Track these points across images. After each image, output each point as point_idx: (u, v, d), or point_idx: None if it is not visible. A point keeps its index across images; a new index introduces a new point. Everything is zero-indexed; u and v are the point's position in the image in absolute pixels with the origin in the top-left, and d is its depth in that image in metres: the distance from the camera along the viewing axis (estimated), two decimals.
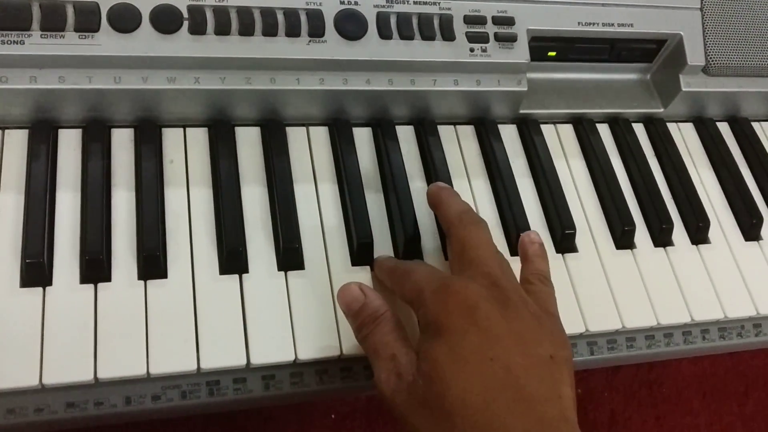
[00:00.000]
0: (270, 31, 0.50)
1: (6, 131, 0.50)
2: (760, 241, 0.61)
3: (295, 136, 0.55)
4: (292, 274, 0.48)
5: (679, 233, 0.59)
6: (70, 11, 0.47)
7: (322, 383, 0.47)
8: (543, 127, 0.61)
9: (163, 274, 0.46)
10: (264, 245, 0.49)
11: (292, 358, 0.45)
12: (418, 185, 0.55)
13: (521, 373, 0.38)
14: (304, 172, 0.54)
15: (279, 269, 0.49)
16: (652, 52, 0.63)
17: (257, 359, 0.45)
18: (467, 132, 0.60)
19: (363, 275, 0.50)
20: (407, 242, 0.51)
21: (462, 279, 0.43)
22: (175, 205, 0.49)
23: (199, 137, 0.53)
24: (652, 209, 0.59)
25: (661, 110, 0.64)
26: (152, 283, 0.46)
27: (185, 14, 0.49)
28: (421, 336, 0.41)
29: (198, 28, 0.49)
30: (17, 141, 0.49)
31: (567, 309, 0.52)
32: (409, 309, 0.45)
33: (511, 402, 0.37)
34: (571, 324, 0.51)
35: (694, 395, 0.70)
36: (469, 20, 0.55)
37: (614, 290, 0.54)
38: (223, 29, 0.49)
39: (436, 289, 0.41)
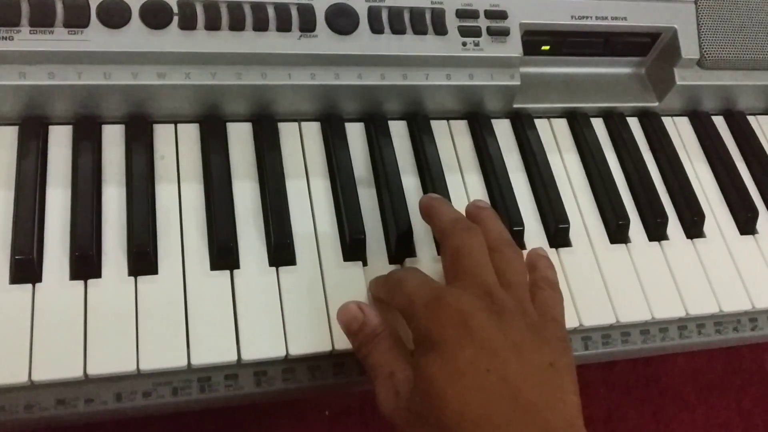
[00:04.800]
0: (261, 26, 0.50)
1: None
2: (756, 235, 0.60)
3: (287, 131, 0.55)
4: (284, 270, 0.48)
5: (673, 227, 0.58)
6: (59, 7, 0.47)
7: (315, 379, 0.47)
8: (537, 121, 0.61)
9: (153, 270, 0.46)
10: (255, 241, 0.49)
11: (283, 353, 0.45)
12: (411, 180, 0.55)
13: (519, 382, 0.37)
14: (296, 168, 0.53)
15: (270, 265, 0.48)
16: (646, 46, 0.62)
17: (248, 355, 0.45)
18: (460, 127, 0.59)
19: (355, 270, 0.49)
20: (399, 237, 0.51)
21: (454, 290, 0.41)
22: (165, 201, 0.49)
23: (190, 133, 0.53)
24: (646, 203, 0.58)
25: (656, 104, 0.64)
26: (142, 279, 0.46)
27: (175, 9, 0.49)
28: (415, 350, 0.40)
29: (188, 23, 0.49)
30: (7, 138, 0.49)
31: None
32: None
33: (510, 412, 0.36)
34: (566, 319, 0.51)
35: (691, 390, 0.70)
36: (461, 14, 0.55)
37: (608, 285, 0.54)
38: (213, 24, 0.49)
39: (428, 301, 0.40)
